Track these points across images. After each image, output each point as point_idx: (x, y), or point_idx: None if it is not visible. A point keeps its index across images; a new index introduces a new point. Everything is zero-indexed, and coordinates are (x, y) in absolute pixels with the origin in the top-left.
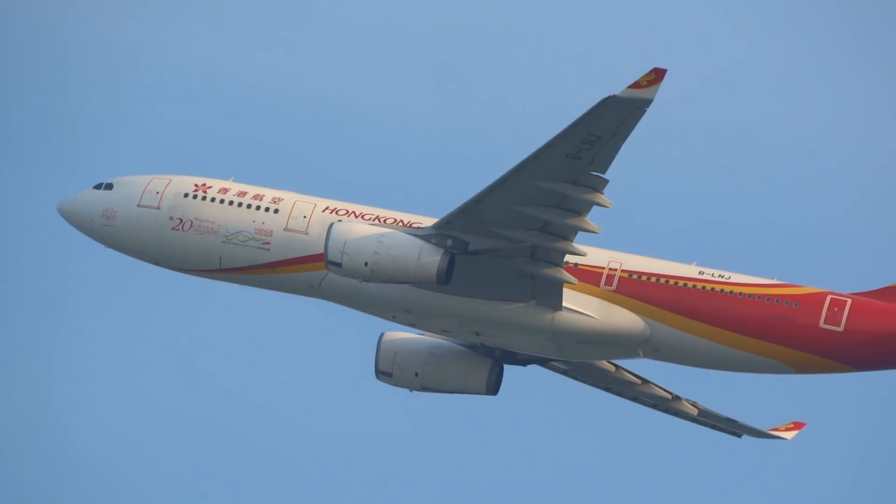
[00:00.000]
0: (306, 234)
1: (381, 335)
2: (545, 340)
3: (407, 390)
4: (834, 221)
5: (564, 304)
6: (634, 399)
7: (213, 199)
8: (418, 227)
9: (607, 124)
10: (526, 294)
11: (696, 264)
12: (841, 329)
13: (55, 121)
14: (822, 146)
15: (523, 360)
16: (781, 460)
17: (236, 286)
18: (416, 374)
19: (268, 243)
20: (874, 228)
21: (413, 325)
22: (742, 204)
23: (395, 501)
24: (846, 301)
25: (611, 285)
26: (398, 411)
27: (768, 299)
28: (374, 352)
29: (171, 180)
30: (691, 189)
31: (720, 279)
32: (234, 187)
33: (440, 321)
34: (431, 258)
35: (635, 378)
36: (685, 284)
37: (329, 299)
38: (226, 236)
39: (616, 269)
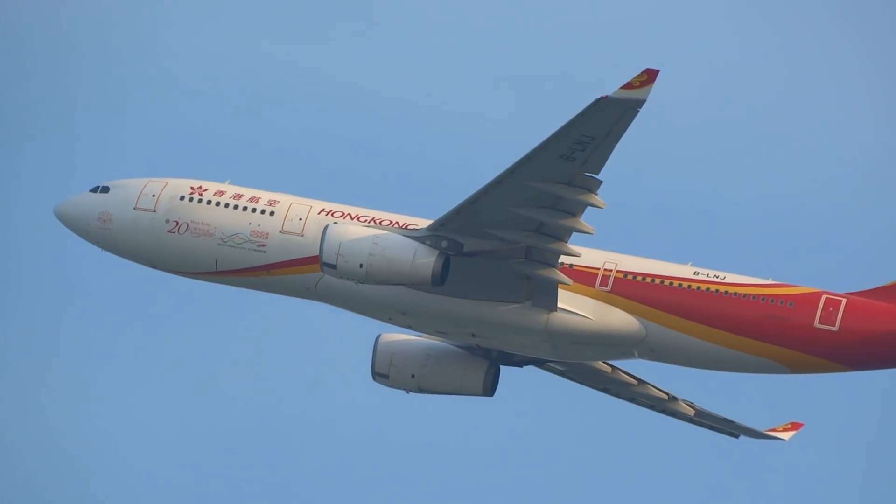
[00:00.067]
0: (302, 236)
1: (378, 337)
2: (541, 341)
3: (404, 392)
4: (829, 221)
5: (560, 304)
6: (631, 400)
7: (209, 202)
8: (413, 229)
9: (600, 125)
10: (521, 295)
11: (692, 265)
12: (836, 329)
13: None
14: (816, 146)
15: (520, 362)
16: (779, 461)
17: (233, 288)
18: (413, 376)
19: (264, 245)
20: (869, 228)
21: (409, 327)
22: (737, 204)
23: (392, 503)
24: (841, 301)
25: (606, 286)
26: (395, 413)
27: (763, 299)
28: (371, 353)
29: (167, 183)
30: (686, 189)
31: (715, 279)
32: (230, 190)
33: (436, 322)
34: (426, 259)
35: (632, 379)
36: (680, 285)
37: (325, 301)
38: (222, 239)
39: (611, 270)
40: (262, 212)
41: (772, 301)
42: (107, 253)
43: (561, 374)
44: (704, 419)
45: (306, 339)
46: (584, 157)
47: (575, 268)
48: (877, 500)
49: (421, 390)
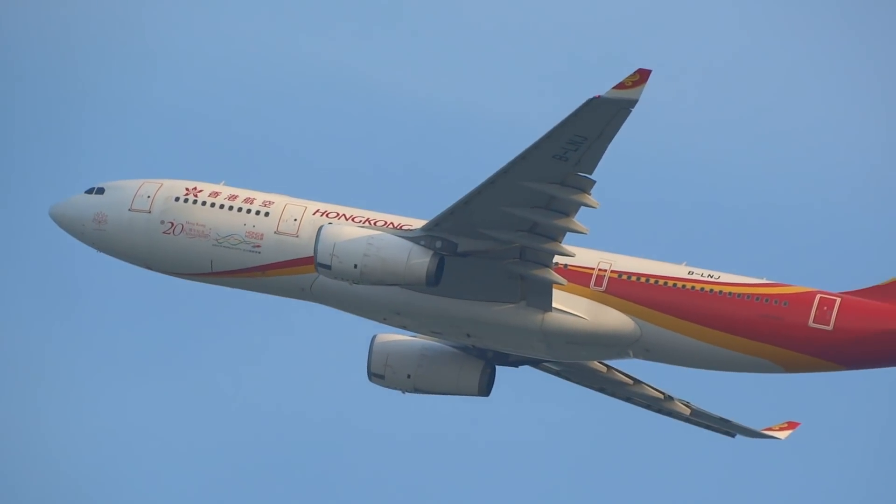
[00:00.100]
0: (297, 236)
1: (374, 337)
2: (535, 341)
3: (399, 392)
4: (823, 221)
5: (554, 304)
6: (628, 400)
7: (203, 203)
8: (408, 229)
9: (593, 125)
10: (516, 295)
11: (686, 264)
12: (830, 328)
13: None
14: (809, 146)
15: (515, 362)
16: (775, 460)
17: (228, 289)
18: (409, 376)
19: (259, 246)
20: (863, 228)
21: (404, 327)
22: (730, 204)
23: (388, 503)
24: (835, 300)
25: (601, 286)
26: (391, 413)
27: (758, 299)
28: (367, 354)
29: (161, 184)
30: (680, 189)
31: (710, 279)
32: (225, 191)
33: (431, 323)
34: (420, 260)
35: (627, 378)
36: (675, 284)
37: (320, 302)
38: (217, 240)
39: (606, 270)
40: (257, 213)
41: (766, 300)
42: (102, 254)
43: (556, 373)
44: (700, 418)
45: (302, 339)
46: (577, 157)
47: (569, 268)
48: (873, 499)
49: (417, 390)
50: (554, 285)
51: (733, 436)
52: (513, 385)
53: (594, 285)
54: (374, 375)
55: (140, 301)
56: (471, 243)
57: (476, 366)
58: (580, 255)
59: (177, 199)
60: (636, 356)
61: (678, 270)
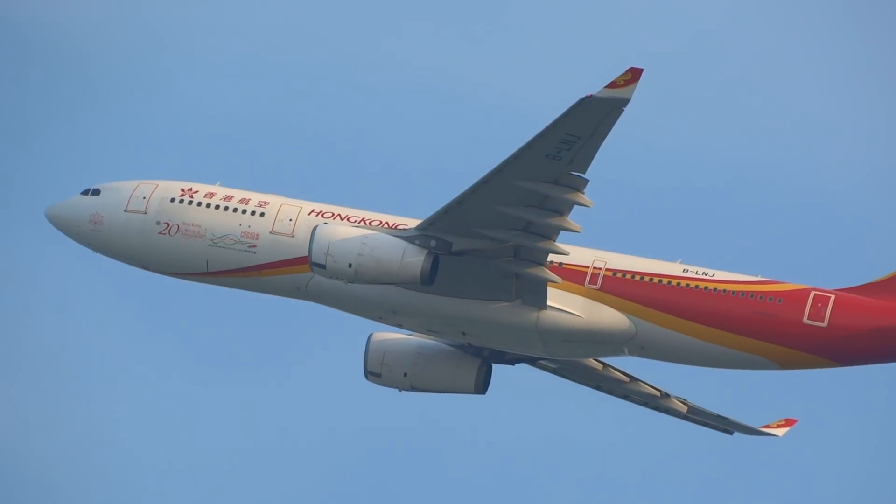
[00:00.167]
0: (292, 236)
1: (370, 336)
2: (531, 339)
3: (396, 390)
4: (818, 218)
5: (549, 302)
6: (624, 397)
7: (199, 204)
8: (402, 229)
9: (585, 124)
10: (511, 293)
11: (681, 262)
12: (825, 325)
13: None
14: (804, 143)
15: (511, 360)
16: (773, 457)
17: (224, 289)
18: (405, 375)
19: (254, 246)
20: (858, 225)
21: (400, 326)
22: (726, 202)
23: (384, 501)
24: (830, 297)
25: (595, 284)
26: (387, 411)
27: (752, 296)
28: (363, 352)
29: (157, 185)
30: (674, 187)
31: (704, 277)
32: (221, 191)
33: (426, 321)
34: (415, 259)
35: (623, 376)
36: (670, 282)
37: (316, 301)
38: (212, 240)
39: (600, 268)
40: (253, 213)
41: (761, 298)
42: (98, 255)
43: (553, 371)
44: (698, 416)
45: (298, 338)
46: (570, 156)
47: (564, 266)
48: (870, 496)
49: (413, 389)
50: (549, 283)
51: (731, 433)
52: (509, 383)
53: (589, 283)
54: (371, 374)
55: (136, 301)
56: (465, 242)
57: (472, 364)
58: (574, 253)
59: (172, 199)
60: (631, 354)
61: (673, 268)
